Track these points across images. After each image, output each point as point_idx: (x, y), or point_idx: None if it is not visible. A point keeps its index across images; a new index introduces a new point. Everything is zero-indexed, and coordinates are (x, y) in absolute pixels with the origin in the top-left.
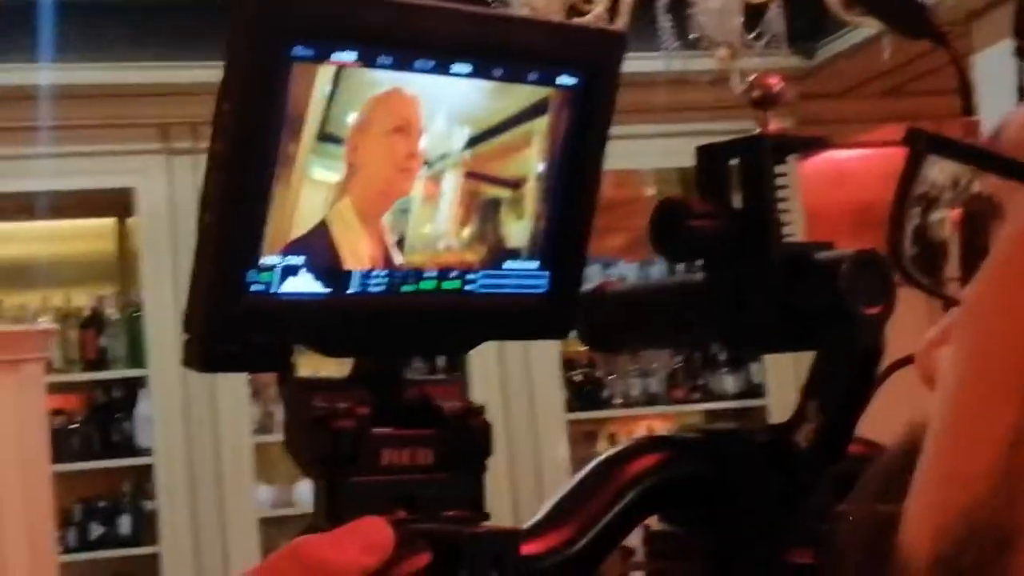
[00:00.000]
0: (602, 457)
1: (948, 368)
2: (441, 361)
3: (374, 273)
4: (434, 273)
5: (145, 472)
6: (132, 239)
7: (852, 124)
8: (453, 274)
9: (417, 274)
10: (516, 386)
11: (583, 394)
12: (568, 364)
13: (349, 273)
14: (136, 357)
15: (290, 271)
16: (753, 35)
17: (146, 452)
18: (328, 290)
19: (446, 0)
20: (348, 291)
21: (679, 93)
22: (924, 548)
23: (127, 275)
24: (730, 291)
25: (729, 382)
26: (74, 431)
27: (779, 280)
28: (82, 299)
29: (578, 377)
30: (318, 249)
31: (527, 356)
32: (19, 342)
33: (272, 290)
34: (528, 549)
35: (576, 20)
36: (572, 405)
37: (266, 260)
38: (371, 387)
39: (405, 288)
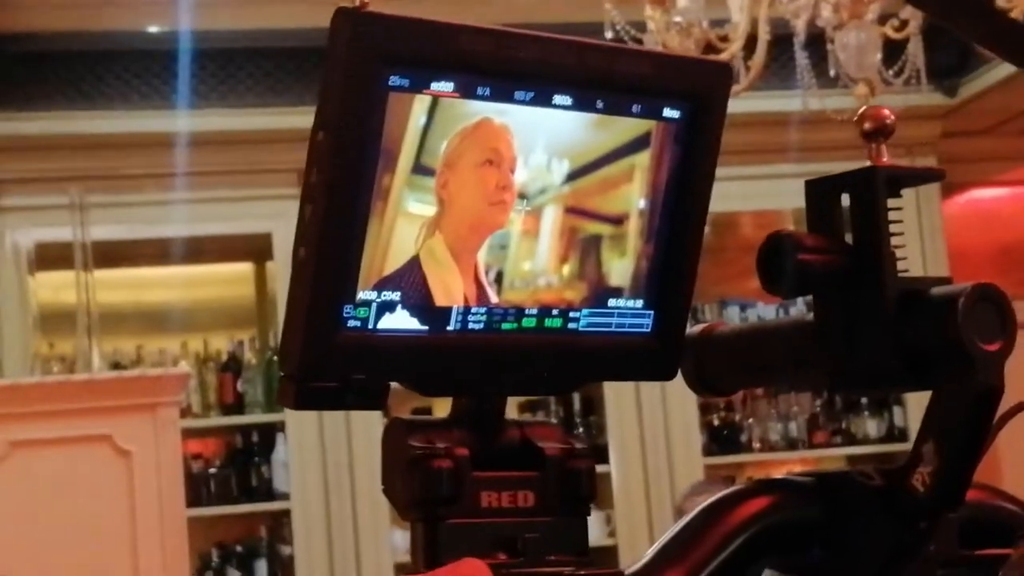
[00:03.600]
0: (712, 500)
1: None
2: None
3: (473, 310)
4: (535, 311)
5: (282, 517)
6: (270, 283)
7: (996, 162)
8: (555, 312)
9: (518, 312)
10: (653, 429)
11: (721, 438)
12: (706, 407)
13: (448, 310)
14: (273, 401)
15: (387, 307)
16: (892, 71)
17: (283, 496)
18: (426, 327)
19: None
20: (448, 328)
21: (818, 131)
22: None
23: (265, 319)
24: (842, 328)
25: (871, 426)
26: (212, 475)
27: (893, 316)
28: (220, 343)
29: (716, 420)
30: (410, 285)
31: (664, 398)
32: (155, 386)
33: (369, 327)
34: None
35: (712, 56)
36: (710, 449)
37: (362, 295)
38: (471, 428)
39: (506, 326)
